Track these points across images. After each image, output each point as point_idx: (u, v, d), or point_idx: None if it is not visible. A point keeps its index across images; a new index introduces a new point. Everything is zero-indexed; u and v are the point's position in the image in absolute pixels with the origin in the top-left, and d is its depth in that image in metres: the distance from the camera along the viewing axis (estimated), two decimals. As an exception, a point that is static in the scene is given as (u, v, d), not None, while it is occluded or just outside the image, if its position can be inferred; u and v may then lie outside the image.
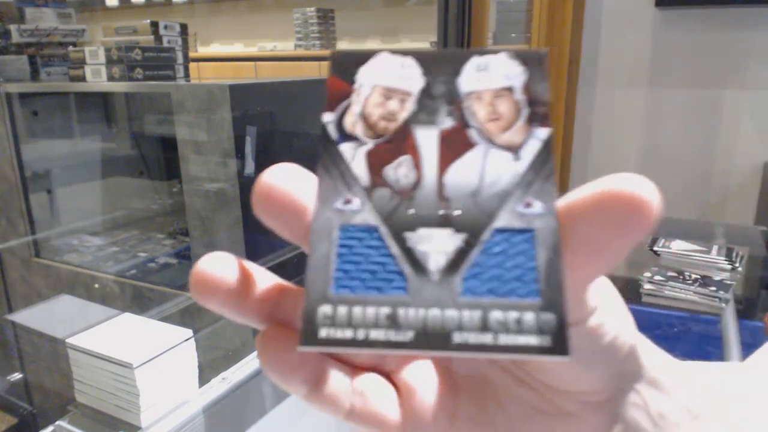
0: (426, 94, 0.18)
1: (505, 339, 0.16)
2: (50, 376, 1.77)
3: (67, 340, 0.84)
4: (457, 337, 0.16)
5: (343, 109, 0.18)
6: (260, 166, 1.45)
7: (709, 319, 1.14)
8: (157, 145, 2.08)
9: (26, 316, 1.83)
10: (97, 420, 0.84)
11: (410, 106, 0.18)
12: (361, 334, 0.16)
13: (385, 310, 0.16)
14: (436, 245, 0.17)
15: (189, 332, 0.86)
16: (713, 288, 1.15)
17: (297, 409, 1.03)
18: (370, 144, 0.18)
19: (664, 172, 2.11)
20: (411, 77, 0.19)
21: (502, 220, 0.17)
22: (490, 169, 0.17)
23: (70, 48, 1.85)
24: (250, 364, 0.94)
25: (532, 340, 0.15)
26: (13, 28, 1.87)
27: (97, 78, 1.69)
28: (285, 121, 1.57)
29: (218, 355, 1.17)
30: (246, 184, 1.41)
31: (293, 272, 1.65)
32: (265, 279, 0.19)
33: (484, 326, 0.16)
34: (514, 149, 0.18)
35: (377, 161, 0.18)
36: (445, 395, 0.20)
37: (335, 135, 0.18)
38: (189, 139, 1.44)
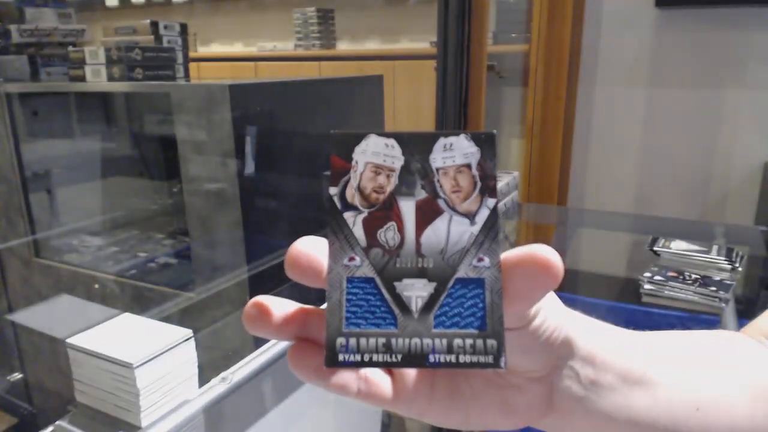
0: (405, 170, 0.24)
1: (463, 358, 0.22)
2: (50, 376, 1.77)
3: (67, 340, 0.84)
4: (432, 358, 0.22)
5: (344, 183, 0.24)
6: (260, 166, 1.45)
7: (709, 319, 1.13)
8: (156, 145, 2.08)
9: (26, 316, 1.83)
10: (97, 420, 0.84)
11: (394, 180, 0.24)
12: (366, 357, 0.22)
13: (382, 340, 0.23)
14: (416, 291, 0.23)
15: (189, 332, 0.86)
16: (713, 288, 1.15)
17: (297, 410, 1.03)
18: (365, 212, 0.23)
19: (664, 172, 2.11)
20: (394, 156, 0.24)
21: (462, 272, 0.23)
22: (453, 231, 0.23)
23: (70, 48, 1.85)
24: (250, 363, 0.94)
25: (481, 358, 0.22)
26: (13, 28, 1.87)
27: (97, 78, 1.69)
28: (285, 121, 1.57)
29: (218, 355, 1.17)
30: (246, 184, 1.41)
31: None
32: (292, 308, 0.25)
33: (450, 350, 0.22)
34: (471, 215, 0.23)
35: (371, 226, 0.23)
36: (425, 376, 0.28)
37: (340, 205, 0.24)
38: (189, 139, 1.44)
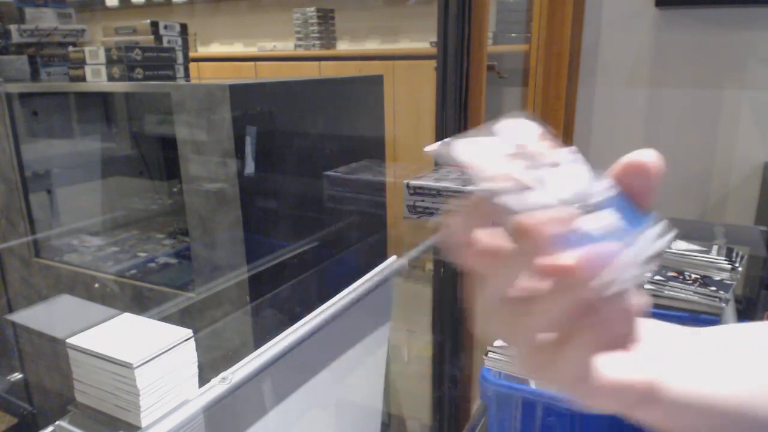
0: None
1: None
2: (50, 376, 1.77)
3: (67, 340, 0.84)
4: None
5: None
6: (260, 166, 1.45)
7: (709, 318, 1.13)
8: (156, 145, 2.08)
9: (26, 316, 1.83)
10: (98, 420, 0.84)
11: None
12: None
13: None
14: None
15: (189, 332, 0.86)
16: (713, 288, 1.15)
17: (297, 410, 1.03)
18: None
19: (664, 171, 2.11)
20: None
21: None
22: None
23: (70, 48, 1.85)
24: (250, 363, 0.95)
25: None
26: (13, 28, 1.87)
27: (97, 78, 1.69)
28: (285, 121, 1.57)
29: (218, 355, 1.17)
30: (246, 184, 1.41)
31: (293, 271, 1.65)
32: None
33: None
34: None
35: None
36: None
37: None
38: (189, 139, 1.44)
